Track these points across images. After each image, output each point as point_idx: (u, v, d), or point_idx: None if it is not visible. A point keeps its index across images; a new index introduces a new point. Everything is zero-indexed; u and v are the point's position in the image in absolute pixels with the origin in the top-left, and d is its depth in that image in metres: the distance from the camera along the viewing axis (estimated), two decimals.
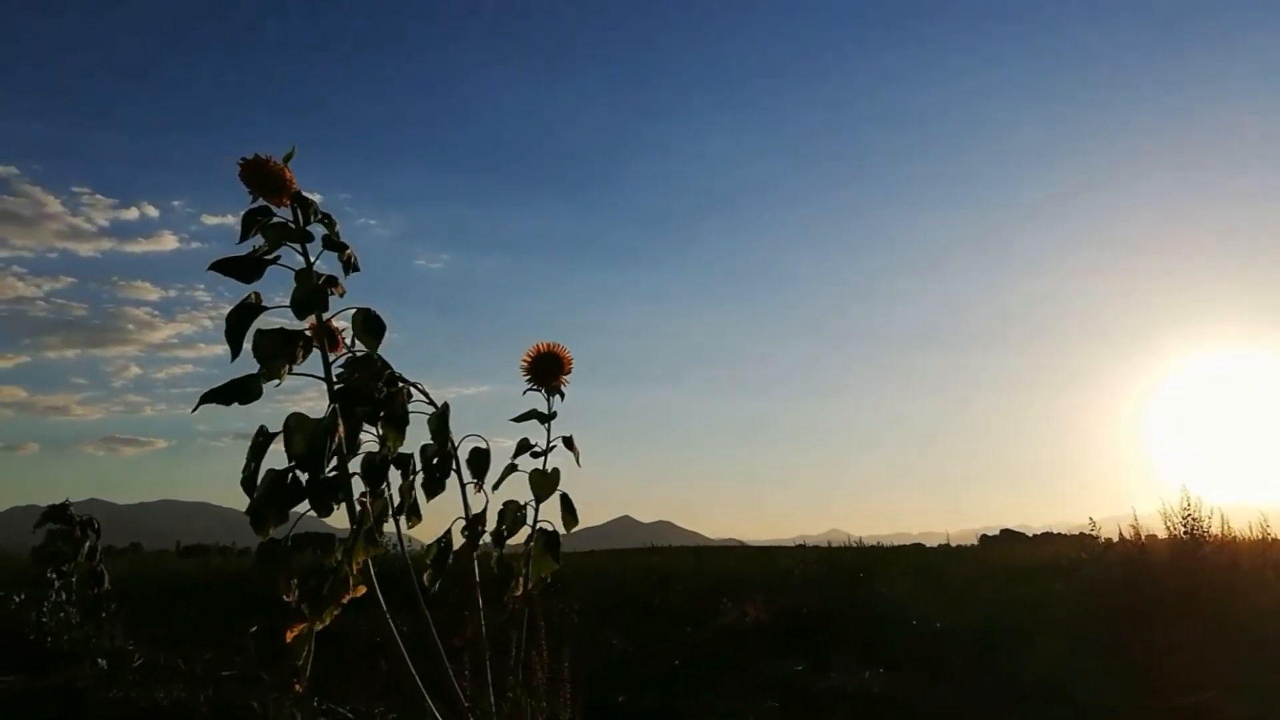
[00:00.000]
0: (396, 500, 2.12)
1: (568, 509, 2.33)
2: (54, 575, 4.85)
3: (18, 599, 4.80)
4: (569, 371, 2.34)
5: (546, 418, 2.34)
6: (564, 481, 2.31)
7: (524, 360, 2.33)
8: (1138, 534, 6.50)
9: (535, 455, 2.30)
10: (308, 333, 1.96)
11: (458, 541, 2.26)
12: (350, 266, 2.06)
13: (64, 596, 4.83)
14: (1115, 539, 6.71)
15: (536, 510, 2.31)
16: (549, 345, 2.33)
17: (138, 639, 4.90)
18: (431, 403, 2.19)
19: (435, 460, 2.19)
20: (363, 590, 1.96)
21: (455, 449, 2.25)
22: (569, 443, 2.32)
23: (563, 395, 2.35)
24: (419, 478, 2.17)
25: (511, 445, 2.33)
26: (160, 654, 4.69)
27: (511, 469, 2.29)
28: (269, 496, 1.82)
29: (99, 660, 4.54)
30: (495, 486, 2.29)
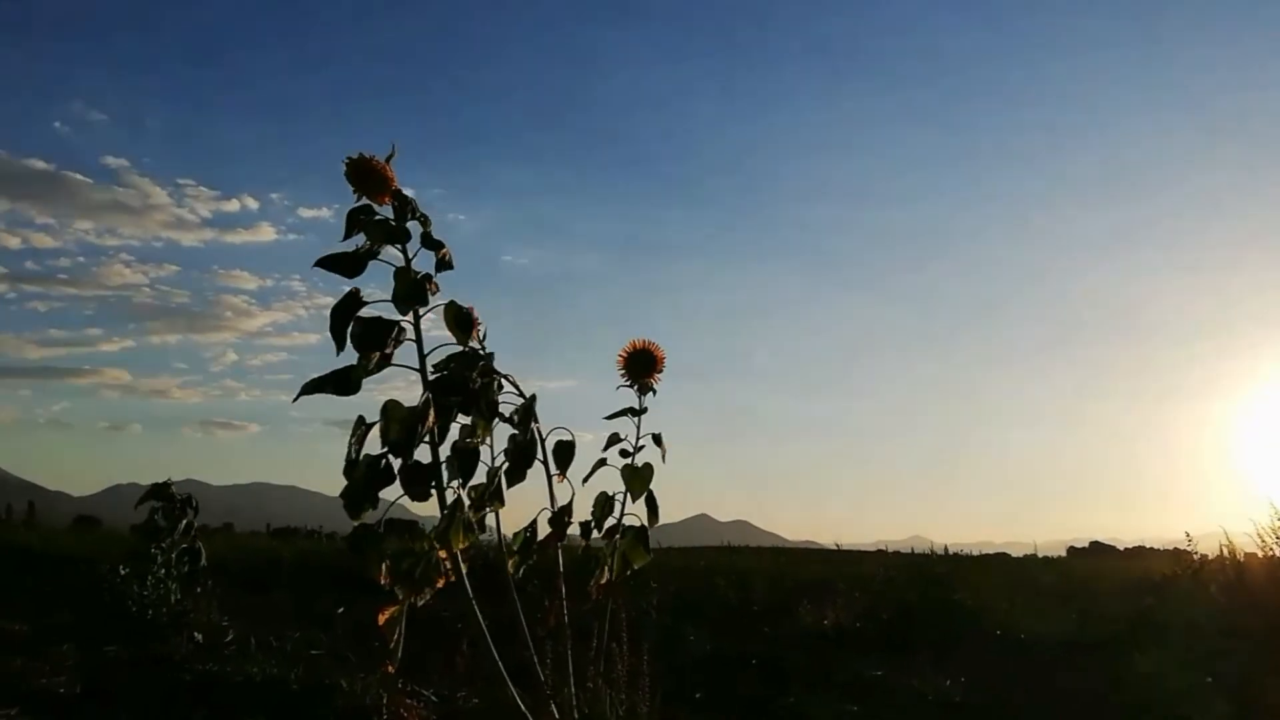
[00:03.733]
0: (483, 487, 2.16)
1: (651, 505, 2.36)
2: (155, 550, 5.04)
3: (122, 571, 5.00)
4: (662, 370, 2.38)
5: (639, 414, 2.37)
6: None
7: (620, 357, 2.36)
8: (1235, 551, 6.24)
9: (625, 454, 2.35)
10: (404, 324, 2.03)
11: (543, 531, 2.29)
12: (444, 264, 2.11)
13: (164, 572, 5.02)
14: (1210, 555, 6.46)
15: (624, 504, 2.35)
16: (644, 342, 2.38)
17: (231, 615, 5.07)
18: (521, 394, 2.23)
19: (519, 449, 2.23)
20: (453, 576, 2.01)
21: (543, 440, 2.29)
22: (657, 440, 2.35)
23: (654, 392, 2.38)
24: (503, 465, 2.21)
25: (594, 439, 2.37)
26: (252, 631, 4.85)
27: (601, 463, 2.33)
28: (365, 481, 1.88)
29: (195, 634, 4.71)
30: (585, 480, 2.33)
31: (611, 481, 2.35)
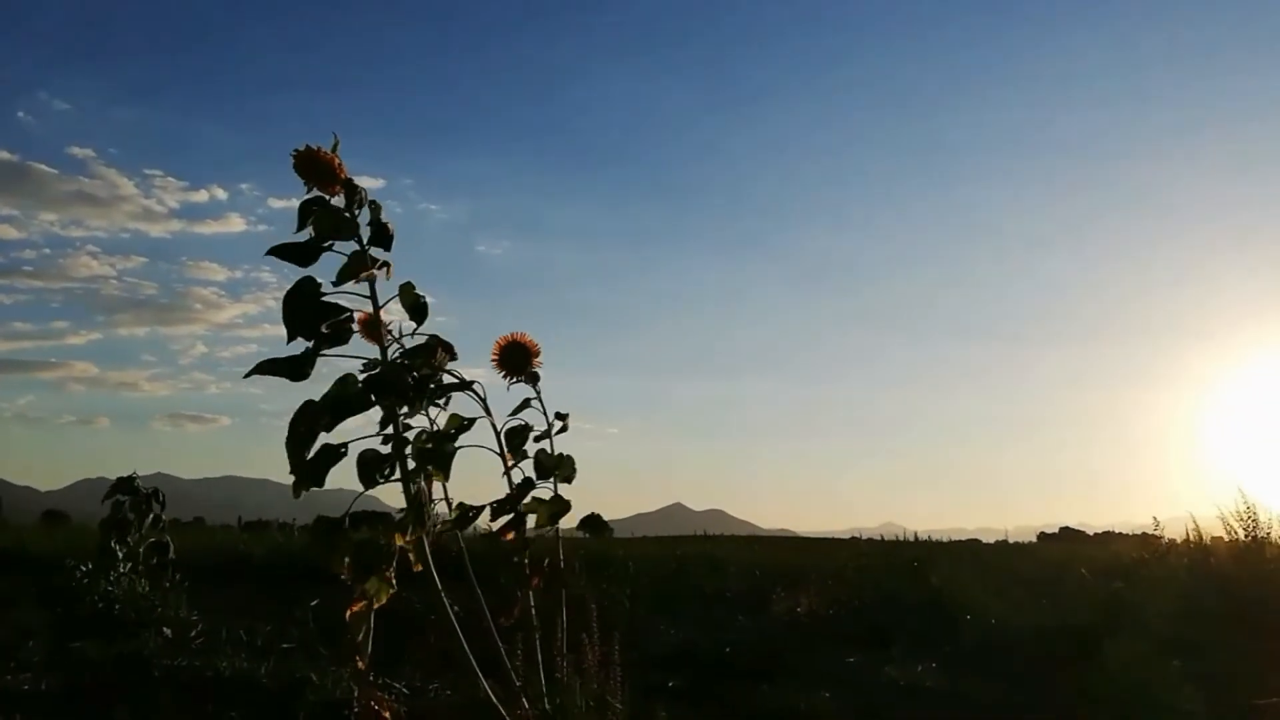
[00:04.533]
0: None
1: (567, 469, 2.45)
2: (118, 545, 4.98)
3: (84, 568, 4.93)
4: (538, 357, 2.43)
5: (535, 401, 2.44)
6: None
7: (493, 354, 2.41)
8: (1201, 536, 6.32)
9: (537, 439, 2.44)
10: (357, 321, 2.05)
11: (489, 514, 2.34)
12: (382, 239, 2.10)
13: (130, 567, 4.95)
14: (1177, 540, 6.55)
15: (554, 485, 2.41)
16: (513, 336, 2.43)
17: (200, 610, 5.01)
18: (464, 383, 2.23)
19: (460, 429, 2.27)
20: (419, 567, 1.99)
21: (496, 429, 2.37)
22: (561, 417, 2.44)
23: (538, 377, 2.44)
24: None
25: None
26: (222, 625, 4.79)
27: (523, 455, 2.39)
28: (314, 461, 1.90)
29: (164, 629, 4.65)
30: (507, 471, 2.39)
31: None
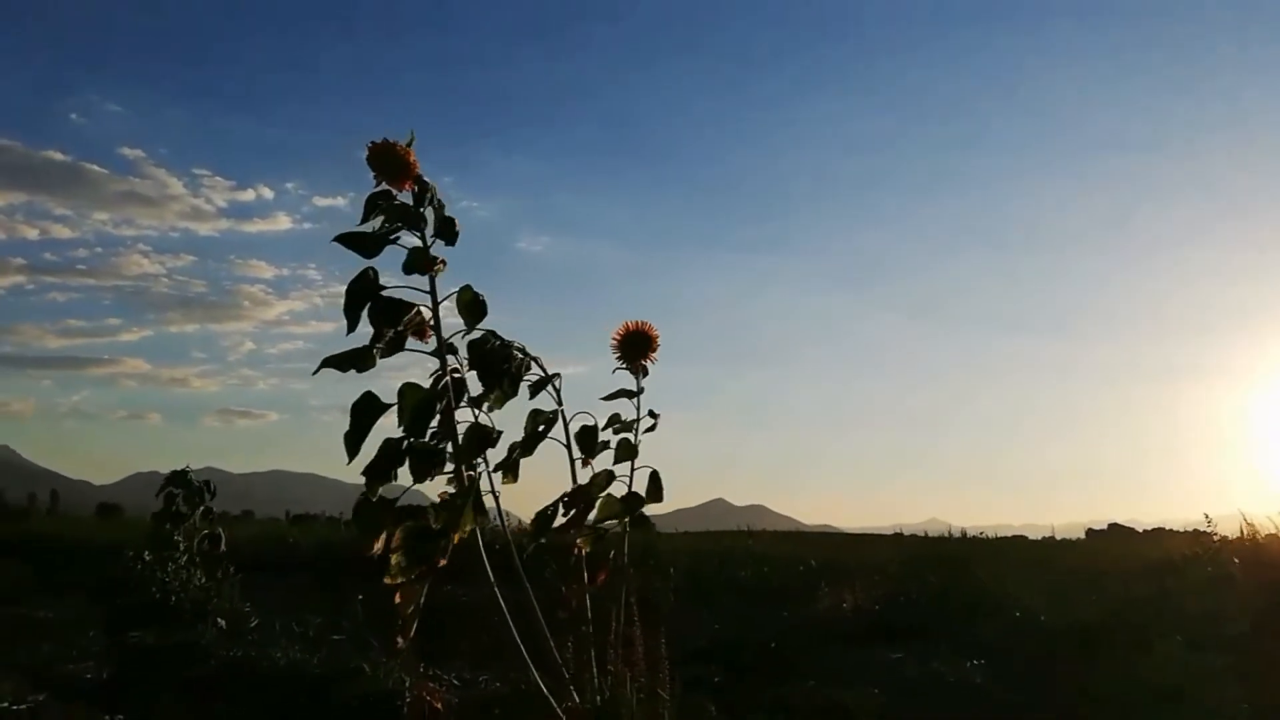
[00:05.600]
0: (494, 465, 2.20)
1: (654, 482, 2.37)
2: (175, 534, 5.09)
3: (143, 559, 5.05)
4: (656, 349, 2.41)
5: (635, 394, 2.40)
6: (661, 462, 2.36)
7: (614, 338, 2.39)
8: (1255, 532, 6.19)
9: (617, 431, 2.38)
10: (423, 309, 2.06)
11: (563, 512, 2.32)
12: (448, 235, 2.13)
13: (185, 559, 5.07)
14: (1229, 537, 6.40)
15: (631, 481, 2.37)
16: (638, 324, 2.40)
17: (252, 602, 5.11)
18: (545, 374, 2.24)
19: (541, 421, 2.27)
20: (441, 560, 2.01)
21: (566, 421, 2.33)
22: (653, 416, 2.39)
23: (647, 372, 2.41)
24: (520, 441, 2.26)
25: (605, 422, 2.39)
26: (274, 617, 4.89)
27: (604, 445, 2.36)
28: (382, 459, 1.92)
29: (219, 620, 4.75)
30: (584, 462, 2.35)
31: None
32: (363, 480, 1.96)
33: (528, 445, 2.24)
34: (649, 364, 2.41)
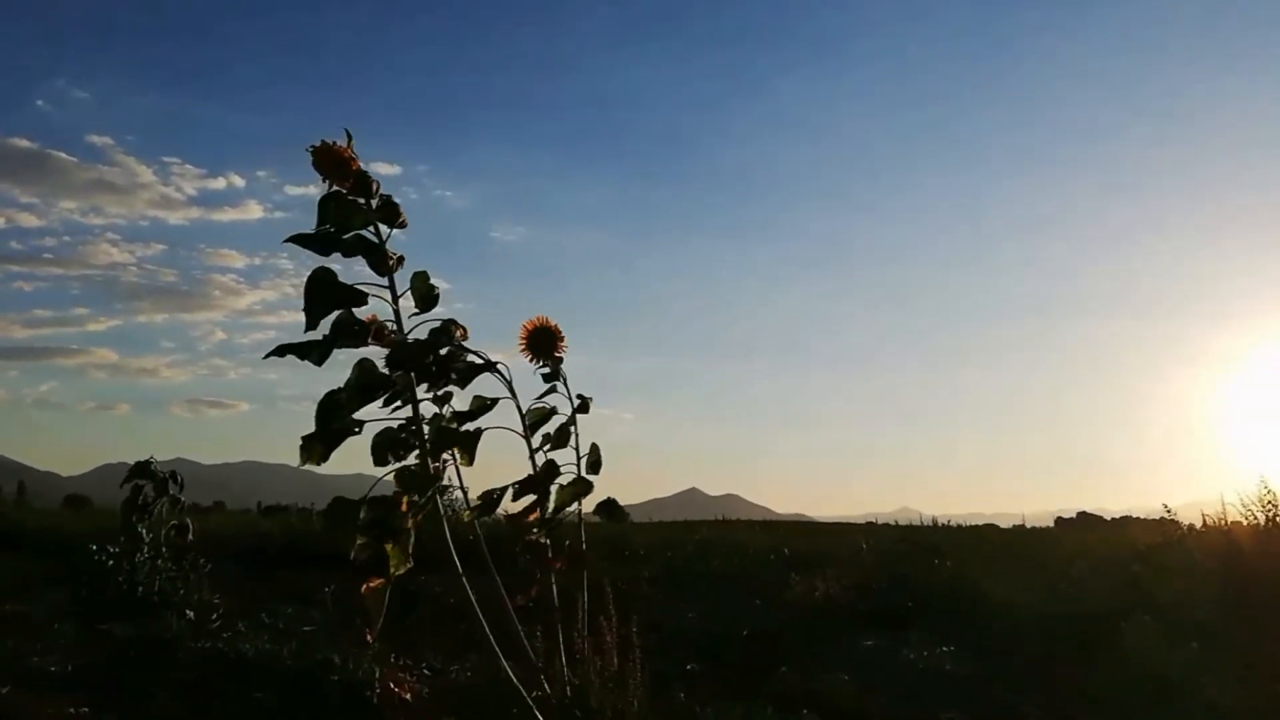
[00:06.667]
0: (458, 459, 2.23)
1: (594, 455, 2.47)
2: (141, 525, 5.04)
3: (110, 550, 4.99)
4: (564, 342, 2.45)
5: (552, 379, 2.45)
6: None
7: (520, 338, 2.44)
8: (1223, 519, 6.26)
9: (544, 418, 2.44)
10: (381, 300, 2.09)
11: (514, 498, 2.35)
12: (393, 220, 2.16)
13: (151, 552, 5.01)
14: (1196, 524, 6.48)
15: (579, 467, 2.45)
16: (540, 320, 2.45)
17: (222, 593, 5.07)
18: (489, 364, 2.25)
19: (482, 408, 2.30)
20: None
21: (522, 411, 2.38)
22: (583, 399, 2.46)
23: (561, 362, 2.46)
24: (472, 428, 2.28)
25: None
26: (244, 608, 4.85)
27: (546, 439, 2.42)
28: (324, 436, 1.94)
29: (187, 611, 4.70)
30: (534, 453, 2.40)
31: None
32: (337, 472, 1.99)
33: (462, 419, 2.25)
34: (560, 355, 2.46)
